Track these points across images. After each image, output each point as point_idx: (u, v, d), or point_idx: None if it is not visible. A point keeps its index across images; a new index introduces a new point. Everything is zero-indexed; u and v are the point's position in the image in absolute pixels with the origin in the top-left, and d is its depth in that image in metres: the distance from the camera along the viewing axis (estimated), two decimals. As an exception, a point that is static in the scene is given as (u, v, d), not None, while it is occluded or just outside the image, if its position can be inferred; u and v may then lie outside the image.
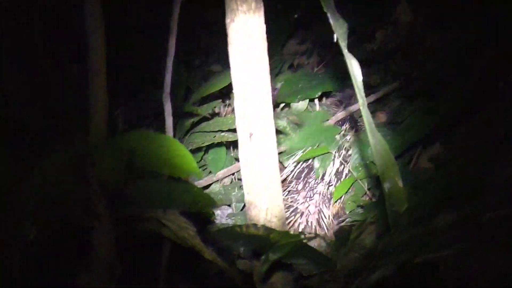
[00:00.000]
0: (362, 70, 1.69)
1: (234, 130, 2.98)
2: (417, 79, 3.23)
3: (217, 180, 3.14)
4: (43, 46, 2.58)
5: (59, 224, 1.95)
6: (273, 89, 3.35)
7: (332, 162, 3.14)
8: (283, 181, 3.14)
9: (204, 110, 3.21)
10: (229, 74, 1.85)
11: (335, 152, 3.14)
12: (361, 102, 1.72)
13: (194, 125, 3.22)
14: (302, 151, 3.13)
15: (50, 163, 1.99)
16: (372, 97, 3.27)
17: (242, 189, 2.42)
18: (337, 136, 3.18)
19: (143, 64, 3.47)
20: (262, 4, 1.76)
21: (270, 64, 1.88)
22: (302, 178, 3.14)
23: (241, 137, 1.90)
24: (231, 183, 3.17)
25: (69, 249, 2.11)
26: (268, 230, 1.90)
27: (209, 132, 3.14)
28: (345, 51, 1.61)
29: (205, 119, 3.24)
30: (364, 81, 1.69)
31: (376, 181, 3.01)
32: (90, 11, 1.90)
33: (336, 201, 3.07)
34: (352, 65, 1.63)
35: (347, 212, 3.06)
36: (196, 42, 3.69)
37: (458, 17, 3.26)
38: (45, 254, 1.94)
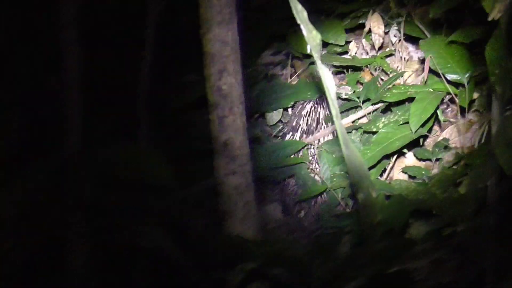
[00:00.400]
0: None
1: (209, 140, 2.99)
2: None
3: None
4: (18, 58, 2.58)
5: (35, 235, 1.95)
6: (248, 98, 3.36)
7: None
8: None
9: (181, 120, 3.22)
10: (204, 84, 1.86)
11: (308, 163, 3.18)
12: (334, 113, 1.74)
13: (170, 134, 3.22)
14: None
15: (26, 174, 1.99)
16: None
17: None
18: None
19: (118, 73, 3.47)
20: (235, 16, 1.77)
21: (245, 75, 1.89)
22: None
23: (217, 145, 1.92)
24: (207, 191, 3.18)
25: (45, 260, 2.11)
26: (243, 239, 1.91)
27: (187, 140, 3.15)
28: (318, 62, 1.63)
29: (181, 128, 3.25)
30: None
31: (349, 192, 3.04)
32: (66, 23, 1.90)
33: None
34: (325, 77, 1.65)
35: (322, 222, 3.08)
36: (172, 52, 3.69)
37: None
38: (21, 265, 1.94)
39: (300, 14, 1.63)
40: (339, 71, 3.56)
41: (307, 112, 3.48)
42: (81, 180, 2.10)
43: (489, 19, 1.74)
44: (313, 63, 3.46)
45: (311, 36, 1.65)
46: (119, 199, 2.14)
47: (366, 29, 3.60)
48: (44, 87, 3.14)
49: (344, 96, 3.40)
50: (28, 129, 3.04)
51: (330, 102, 1.74)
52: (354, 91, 3.41)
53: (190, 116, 3.46)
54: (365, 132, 3.17)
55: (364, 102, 3.29)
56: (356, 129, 3.27)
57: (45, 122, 3.15)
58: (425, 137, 3.10)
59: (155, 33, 2.26)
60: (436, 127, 3.21)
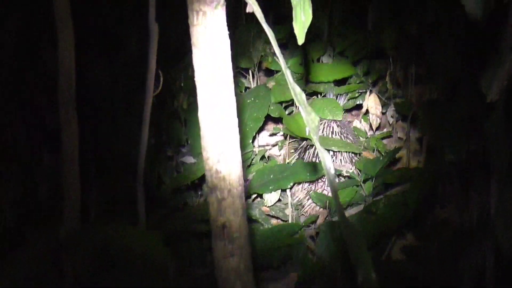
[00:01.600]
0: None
1: (206, 221, 2.98)
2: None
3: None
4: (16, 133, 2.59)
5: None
6: (245, 180, 3.37)
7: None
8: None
9: (177, 201, 3.22)
10: (201, 167, 1.87)
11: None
12: (334, 195, 1.73)
13: (167, 215, 3.21)
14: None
15: (24, 251, 1.98)
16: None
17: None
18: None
19: (116, 151, 3.48)
20: (234, 100, 1.79)
21: (242, 156, 1.89)
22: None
23: (215, 227, 1.90)
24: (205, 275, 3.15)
25: None
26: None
27: (181, 222, 3.14)
28: (317, 144, 1.63)
29: (177, 209, 3.24)
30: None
31: (349, 273, 3.01)
32: (64, 110, 1.92)
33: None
34: (325, 158, 1.65)
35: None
36: (169, 133, 3.71)
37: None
38: None
39: (299, 96, 1.64)
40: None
41: (306, 191, 3.48)
42: (78, 260, 2.08)
43: (488, 100, 1.76)
44: (310, 144, 3.47)
45: (310, 118, 1.65)
46: (116, 280, 2.12)
47: (364, 109, 3.63)
48: (42, 163, 3.14)
49: (344, 174, 3.41)
50: (26, 205, 3.04)
51: (329, 183, 1.73)
52: (354, 170, 3.42)
53: (188, 197, 3.46)
54: (365, 212, 3.16)
55: (364, 181, 3.29)
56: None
57: (43, 199, 3.14)
58: (425, 216, 3.09)
59: (152, 111, 2.27)
60: (436, 207, 3.21)
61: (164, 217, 3.20)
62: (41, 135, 3.08)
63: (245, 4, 1.59)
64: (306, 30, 1.58)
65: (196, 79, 1.69)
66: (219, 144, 1.77)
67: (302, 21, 1.57)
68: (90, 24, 3.36)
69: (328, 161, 1.65)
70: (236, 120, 1.78)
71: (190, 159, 3.66)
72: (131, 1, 3.52)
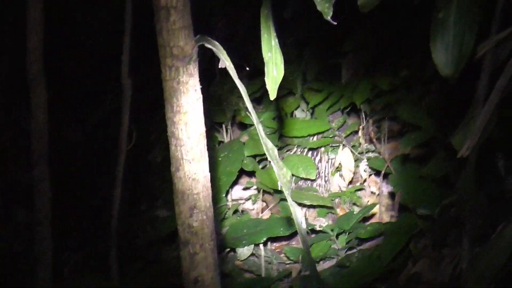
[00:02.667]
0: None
1: (179, 275, 2.96)
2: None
3: None
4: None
5: None
6: (219, 234, 3.35)
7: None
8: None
9: (151, 254, 3.20)
10: (175, 219, 1.86)
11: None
12: (306, 249, 1.73)
13: (141, 269, 3.19)
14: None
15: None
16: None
17: None
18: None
19: (89, 206, 3.47)
20: (206, 153, 1.79)
21: (215, 210, 1.89)
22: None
23: (187, 282, 1.89)
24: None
25: None
26: None
27: (155, 276, 3.12)
28: (289, 199, 1.63)
29: (151, 263, 3.22)
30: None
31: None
32: (37, 167, 1.91)
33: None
34: (296, 213, 1.65)
35: None
36: (143, 187, 3.70)
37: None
38: None
39: (271, 151, 1.64)
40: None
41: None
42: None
43: (458, 156, 1.77)
44: (284, 198, 3.47)
45: (282, 173, 1.66)
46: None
47: (337, 164, 3.65)
48: (14, 221, 3.12)
49: (318, 228, 3.40)
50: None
51: (300, 238, 1.73)
52: (327, 224, 3.42)
53: (161, 251, 3.44)
54: (338, 266, 3.15)
55: (338, 235, 3.29)
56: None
57: (15, 256, 3.11)
58: (398, 271, 3.08)
59: (125, 166, 2.27)
60: (409, 261, 3.20)
61: (138, 271, 3.17)
62: (14, 191, 3.07)
63: (219, 59, 1.60)
64: (278, 85, 1.60)
65: (168, 133, 1.69)
66: (191, 198, 1.77)
67: (274, 76, 1.58)
68: (64, 81, 3.38)
69: (299, 216, 1.65)
70: (208, 174, 1.78)
71: (164, 213, 3.64)
72: (105, 57, 3.54)
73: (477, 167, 1.88)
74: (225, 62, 1.62)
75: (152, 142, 3.74)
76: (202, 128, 1.70)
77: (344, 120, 3.76)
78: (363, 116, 3.70)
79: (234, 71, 1.64)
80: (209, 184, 1.80)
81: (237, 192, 3.82)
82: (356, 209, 3.50)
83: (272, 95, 1.61)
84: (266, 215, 3.66)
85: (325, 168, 3.77)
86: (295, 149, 3.73)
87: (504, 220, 1.85)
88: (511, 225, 1.80)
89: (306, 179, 3.58)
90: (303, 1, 3.76)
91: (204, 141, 1.72)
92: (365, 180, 3.68)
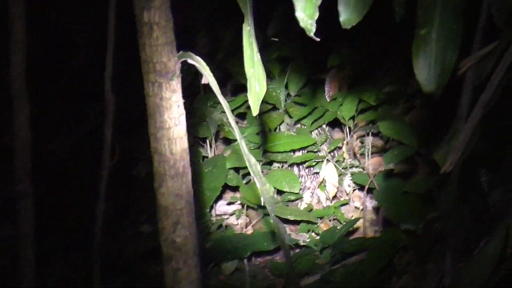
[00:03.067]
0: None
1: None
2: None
3: None
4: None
5: None
6: (203, 249, 3.35)
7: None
8: None
9: (135, 270, 3.19)
10: (158, 235, 1.85)
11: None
12: (289, 265, 1.73)
13: (125, 284, 3.18)
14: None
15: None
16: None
17: None
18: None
19: (73, 222, 3.46)
20: (189, 168, 1.79)
21: (199, 225, 1.89)
22: None
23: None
24: None
25: None
26: None
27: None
28: (272, 215, 1.63)
29: (135, 278, 3.21)
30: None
31: None
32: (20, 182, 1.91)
33: None
34: (280, 229, 1.65)
35: None
36: (127, 202, 3.69)
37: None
38: None
39: (254, 167, 1.65)
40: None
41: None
42: None
43: (441, 171, 1.77)
44: (267, 214, 3.47)
45: (265, 189, 1.66)
46: None
47: (320, 179, 3.65)
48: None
49: (301, 243, 3.40)
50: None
51: (284, 253, 1.73)
52: (311, 239, 3.42)
53: (144, 266, 3.43)
54: (322, 281, 3.15)
55: (322, 250, 3.29)
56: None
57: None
58: (382, 286, 3.08)
59: (107, 184, 2.26)
60: (393, 276, 3.21)
61: (121, 286, 3.16)
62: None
63: (202, 74, 1.60)
64: (260, 101, 1.60)
65: (151, 149, 1.69)
66: (174, 214, 1.76)
67: (257, 92, 1.59)
68: (47, 96, 3.37)
69: (282, 232, 1.66)
70: (192, 190, 1.78)
71: (147, 228, 3.64)
72: (88, 72, 3.55)
73: (460, 182, 1.88)
74: (208, 78, 1.62)
75: (136, 157, 3.73)
76: (185, 144, 1.70)
77: (328, 135, 3.77)
78: (347, 131, 3.72)
79: (217, 87, 1.64)
80: (192, 200, 1.80)
81: (221, 207, 3.81)
82: (340, 224, 3.50)
83: (255, 111, 1.61)
84: (250, 230, 3.65)
85: (309, 183, 3.78)
86: (278, 164, 3.72)
87: (487, 235, 1.85)
88: (494, 241, 1.81)
89: (290, 194, 3.57)
90: (286, 17, 3.79)
91: (187, 157, 1.72)
92: (349, 195, 3.69)
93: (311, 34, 1.37)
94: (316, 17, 1.35)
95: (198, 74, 3.47)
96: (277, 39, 3.73)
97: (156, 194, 1.75)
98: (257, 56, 1.55)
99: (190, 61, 1.62)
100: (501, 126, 2.29)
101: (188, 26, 3.51)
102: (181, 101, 1.66)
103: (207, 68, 1.63)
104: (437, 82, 1.47)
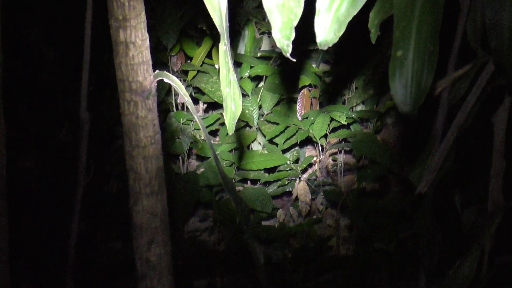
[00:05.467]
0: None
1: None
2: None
3: None
4: None
5: None
6: (176, 267, 3.33)
7: None
8: None
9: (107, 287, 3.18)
10: (131, 252, 1.84)
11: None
12: (263, 283, 1.73)
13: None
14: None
15: None
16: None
17: None
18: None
19: (46, 241, 3.43)
20: (164, 186, 1.78)
21: (172, 242, 1.88)
22: None
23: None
24: None
25: None
26: None
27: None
28: (247, 233, 1.63)
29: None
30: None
31: None
32: None
33: None
34: (255, 248, 1.65)
35: None
36: (98, 218, 3.67)
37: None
38: None
39: (229, 185, 1.65)
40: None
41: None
42: None
43: (416, 192, 1.79)
44: (240, 231, 3.46)
45: (240, 207, 1.66)
46: None
47: (293, 197, 3.65)
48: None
49: (274, 261, 3.40)
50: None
51: (258, 272, 1.73)
52: (284, 257, 3.42)
53: (116, 283, 3.41)
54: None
55: (295, 268, 3.29)
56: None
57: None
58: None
59: (81, 202, 2.25)
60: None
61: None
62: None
63: (176, 91, 1.60)
64: (236, 120, 1.60)
65: (127, 167, 1.68)
66: (149, 232, 1.76)
67: (232, 111, 1.58)
68: (21, 112, 3.35)
69: (257, 250, 1.65)
70: (167, 208, 1.77)
71: (119, 244, 3.62)
72: (63, 89, 3.53)
73: (434, 202, 1.89)
74: (184, 97, 1.62)
75: (108, 173, 3.71)
76: (160, 162, 1.70)
77: (300, 153, 3.78)
78: (320, 149, 3.73)
79: (193, 106, 1.64)
80: (167, 218, 1.80)
81: (193, 223, 3.80)
82: (313, 242, 3.50)
83: (230, 130, 1.60)
84: (222, 247, 3.64)
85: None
86: (251, 182, 3.72)
87: (461, 255, 1.87)
88: (468, 261, 1.82)
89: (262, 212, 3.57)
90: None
91: (162, 174, 1.72)
92: (321, 213, 3.69)
93: (287, 55, 1.37)
94: (292, 38, 1.36)
95: (170, 91, 3.49)
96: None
97: (131, 212, 1.74)
98: (233, 76, 1.55)
99: (166, 80, 1.62)
100: (474, 145, 2.31)
101: (159, 43, 3.51)
102: (156, 120, 1.66)
103: (183, 87, 1.63)
104: (413, 103, 1.47)
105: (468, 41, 1.78)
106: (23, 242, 3.04)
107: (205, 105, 3.93)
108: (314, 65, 3.71)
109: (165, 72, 1.64)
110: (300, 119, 3.69)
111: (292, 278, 3.29)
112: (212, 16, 1.45)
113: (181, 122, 3.63)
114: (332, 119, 3.56)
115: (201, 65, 3.69)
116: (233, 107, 1.59)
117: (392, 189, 3.32)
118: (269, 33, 3.79)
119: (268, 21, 3.63)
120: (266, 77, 3.73)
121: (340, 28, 1.46)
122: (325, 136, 3.62)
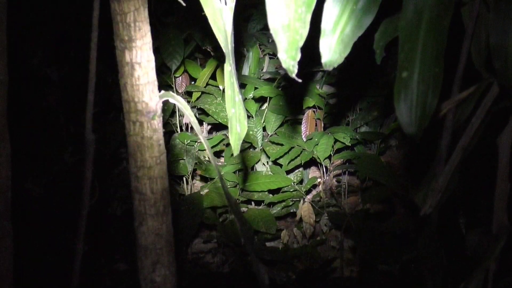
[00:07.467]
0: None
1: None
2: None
3: None
4: None
5: None
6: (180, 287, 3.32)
7: None
8: None
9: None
10: (135, 273, 1.84)
11: None
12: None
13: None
14: None
15: None
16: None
17: None
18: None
19: (50, 262, 3.43)
20: (170, 207, 1.78)
21: (177, 264, 1.87)
22: None
23: None
24: None
25: None
26: None
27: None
28: (251, 255, 1.62)
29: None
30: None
31: None
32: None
33: None
34: (259, 270, 1.64)
35: None
36: (103, 240, 3.66)
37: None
38: None
39: (234, 206, 1.64)
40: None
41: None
42: None
43: (421, 214, 1.78)
44: (244, 252, 3.45)
45: (245, 228, 1.65)
46: None
47: (297, 218, 3.65)
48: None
49: (279, 283, 3.38)
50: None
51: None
52: (288, 279, 3.41)
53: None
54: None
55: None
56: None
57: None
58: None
59: (86, 224, 2.24)
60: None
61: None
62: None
63: (180, 113, 1.60)
64: (241, 141, 1.60)
65: (132, 188, 1.68)
66: (154, 254, 1.75)
67: (237, 132, 1.59)
68: (26, 134, 3.35)
69: (262, 271, 1.64)
70: (172, 229, 1.77)
71: (123, 266, 3.61)
72: (67, 111, 3.54)
73: (438, 223, 1.89)
74: (190, 117, 1.62)
75: (112, 195, 3.71)
76: (166, 183, 1.70)
77: (304, 174, 3.78)
78: (324, 170, 3.73)
79: (198, 127, 1.64)
80: (172, 239, 1.79)
81: (197, 245, 3.79)
82: (317, 264, 3.50)
83: (236, 151, 1.60)
84: (226, 268, 3.63)
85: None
86: (255, 203, 3.72)
87: (465, 278, 1.85)
88: (472, 283, 1.81)
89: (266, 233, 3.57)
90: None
91: (168, 196, 1.72)
92: (325, 234, 3.69)
93: (293, 75, 1.37)
94: (298, 59, 1.36)
95: (174, 112, 3.49)
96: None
97: (136, 233, 1.73)
98: (238, 97, 1.55)
99: (171, 100, 1.62)
100: (479, 167, 2.31)
101: (163, 65, 3.53)
102: (162, 140, 1.66)
103: (189, 108, 1.63)
104: (418, 125, 1.47)
105: (472, 63, 1.78)
106: (27, 264, 3.03)
107: (209, 126, 3.95)
108: (318, 87, 3.72)
109: (171, 92, 1.64)
110: (304, 140, 3.70)
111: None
112: (217, 37, 1.46)
113: (185, 143, 3.64)
114: (336, 140, 3.56)
115: (205, 87, 3.71)
116: (238, 128, 1.59)
117: (396, 211, 3.31)
118: (273, 55, 3.81)
119: (272, 43, 3.68)
120: (270, 98, 3.74)
121: (345, 49, 1.47)
122: (329, 157, 3.63)
